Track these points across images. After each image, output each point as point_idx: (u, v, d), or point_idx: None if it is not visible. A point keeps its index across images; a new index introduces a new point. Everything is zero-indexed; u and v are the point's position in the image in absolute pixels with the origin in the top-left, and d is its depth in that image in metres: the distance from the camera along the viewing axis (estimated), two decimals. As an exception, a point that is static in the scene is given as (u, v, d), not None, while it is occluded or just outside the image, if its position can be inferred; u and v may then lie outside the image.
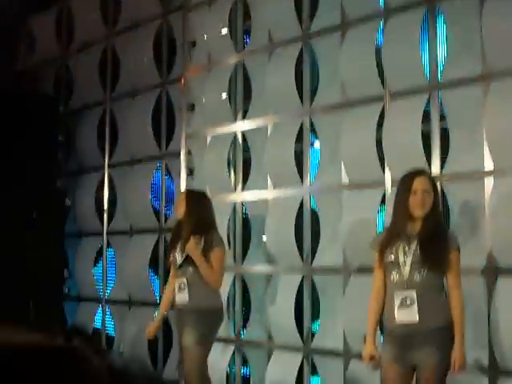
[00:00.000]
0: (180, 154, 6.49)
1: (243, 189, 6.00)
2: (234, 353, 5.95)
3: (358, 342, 4.80)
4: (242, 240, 6.03)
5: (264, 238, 5.83)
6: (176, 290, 4.89)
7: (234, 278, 5.97)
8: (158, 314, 5.07)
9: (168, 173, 6.86)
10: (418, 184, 3.81)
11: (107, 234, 7.42)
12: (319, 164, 5.51)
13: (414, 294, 3.72)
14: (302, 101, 5.56)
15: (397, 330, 3.79)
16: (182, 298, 4.84)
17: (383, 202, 4.90)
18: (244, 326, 5.93)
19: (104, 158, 7.53)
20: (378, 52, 5.07)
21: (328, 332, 5.29)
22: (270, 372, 5.56)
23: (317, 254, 5.40)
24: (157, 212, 6.88)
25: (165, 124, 6.95)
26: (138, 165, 7.12)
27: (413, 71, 4.79)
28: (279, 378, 5.51)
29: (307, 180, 5.46)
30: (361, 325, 4.59)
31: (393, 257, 3.81)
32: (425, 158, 4.71)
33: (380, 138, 4.99)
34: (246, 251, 5.99)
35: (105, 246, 7.44)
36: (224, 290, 5.93)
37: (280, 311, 5.55)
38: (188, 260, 4.83)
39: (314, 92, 5.53)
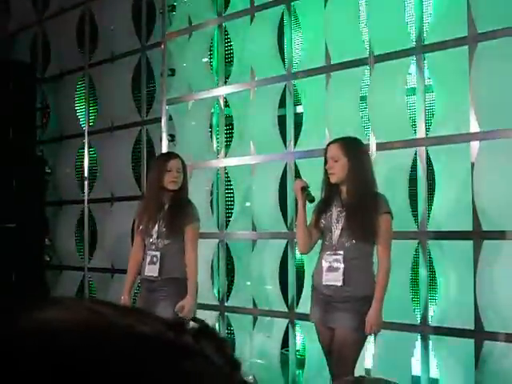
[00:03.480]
0: (161, 120, 6.40)
1: (226, 154, 5.93)
2: (218, 319, 5.93)
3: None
4: (226, 206, 5.98)
5: (248, 204, 5.78)
6: (147, 262, 4.61)
7: (218, 244, 5.92)
8: (127, 286, 4.80)
9: (149, 139, 6.77)
10: (327, 152, 3.95)
11: (88, 202, 7.34)
12: (303, 128, 5.44)
13: (341, 258, 3.84)
14: (284, 64, 5.48)
15: (323, 291, 3.93)
16: (152, 270, 4.57)
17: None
18: (228, 293, 5.90)
19: (84, 124, 7.42)
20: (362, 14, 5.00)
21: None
22: (256, 338, 5.55)
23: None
24: (138, 179, 6.80)
25: (145, 90, 6.85)
26: (118, 131, 7.01)
27: (398, 33, 4.72)
28: (264, 344, 5.51)
29: (291, 145, 5.40)
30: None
31: (326, 222, 3.96)
32: (410, 122, 4.66)
33: (365, 101, 4.93)
34: (229, 218, 5.94)
35: (86, 214, 7.36)
36: (208, 257, 5.91)
37: (264, 277, 5.53)
38: (164, 233, 4.54)
39: (297, 55, 5.46)
